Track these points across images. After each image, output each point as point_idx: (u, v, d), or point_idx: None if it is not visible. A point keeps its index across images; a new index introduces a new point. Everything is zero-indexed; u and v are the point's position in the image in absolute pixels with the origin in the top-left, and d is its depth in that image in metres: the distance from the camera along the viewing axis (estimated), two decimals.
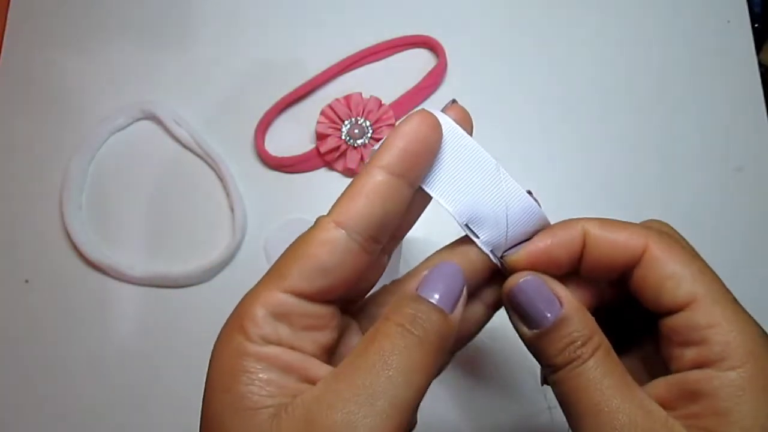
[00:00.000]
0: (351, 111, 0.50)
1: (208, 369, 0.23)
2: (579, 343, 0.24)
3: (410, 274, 0.27)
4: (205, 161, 0.51)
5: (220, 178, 0.51)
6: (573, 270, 0.26)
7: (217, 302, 0.49)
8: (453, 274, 0.24)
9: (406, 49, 0.54)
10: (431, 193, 0.25)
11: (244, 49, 0.54)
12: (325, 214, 0.24)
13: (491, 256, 0.26)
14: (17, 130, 0.53)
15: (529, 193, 0.27)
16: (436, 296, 0.23)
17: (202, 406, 0.23)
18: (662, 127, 0.51)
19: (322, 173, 0.51)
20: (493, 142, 0.51)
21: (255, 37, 0.55)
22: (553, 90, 0.52)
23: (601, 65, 0.53)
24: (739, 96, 0.52)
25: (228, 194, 0.50)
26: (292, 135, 0.52)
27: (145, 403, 0.47)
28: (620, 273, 0.25)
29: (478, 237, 0.26)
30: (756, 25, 0.54)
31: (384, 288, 0.28)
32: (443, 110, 0.26)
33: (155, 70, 0.54)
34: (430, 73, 0.52)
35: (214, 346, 0.23)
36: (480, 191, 0.25)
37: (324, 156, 0.50)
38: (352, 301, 0.27)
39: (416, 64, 0.53)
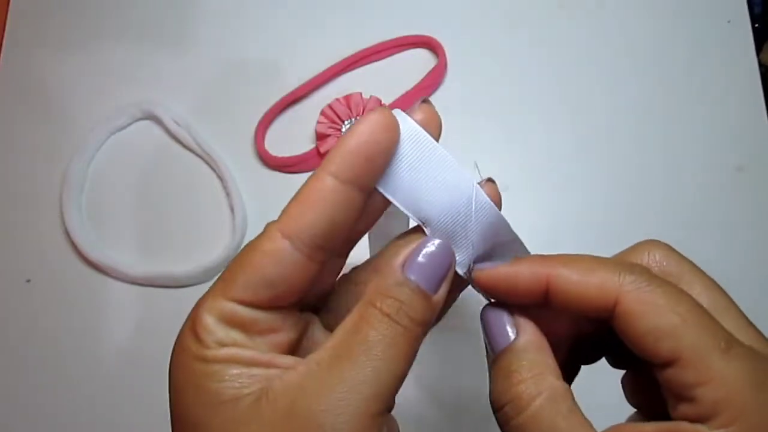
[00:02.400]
0: (351, 111, 0.50)
1: (171, 378, 0.23)
2: (524, 377, 0.23)
3: (393, 248, 0.25)
4: (205, 161, 0.51)
5: (220, 178, 0.51)
6: (542, 304, 0.24)
7: None
8: (442, 254, 0.24)
9: (406, 49, 0.54)
10: (392, 200, 0.24)
11: (244, 49, 0.54)
12: (274, 219, 0.24)
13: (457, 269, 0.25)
14: (17, 131, 0.53)
15: (491, 180, 0.26)
16: (422, 278, 0.23)
17: (173, 414, 0.23)
18: (662, 127, 0.51)
19: None
20: (493, 142, 0.51)
21: (255, 36, 0.55)
22: (553, 90, 0.52)
23: (600, 65, 0.53)
24: (739, 96, 0.52)
25: (228, 194, 0.50)
26: (292, 135, 0.52)
27: (145, 402, 0.47)
28: (595, 317, 0.23)
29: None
30: (756, 25, 0.54)
31: (366, 264, 0.27)
32: (410, 110, 0.25)
33: (155, 70, 0.54)
34: (430, 73, 0.52)
35: (172, 355, 0.24)
36: (444, 200, 0.24)
37: (324, 156, 0.50)
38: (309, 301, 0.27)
39: (416, 64, 0.53)
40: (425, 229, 0.24)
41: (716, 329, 0.22)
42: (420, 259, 0.23)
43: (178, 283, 0.49)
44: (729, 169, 0.50)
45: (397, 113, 0.24)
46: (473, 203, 0.24)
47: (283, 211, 0.23)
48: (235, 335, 0.23)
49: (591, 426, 0.22)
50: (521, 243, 0.26)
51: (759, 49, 0.53)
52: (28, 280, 0.50)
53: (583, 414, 0.22)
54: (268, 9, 0.55)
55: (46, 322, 0.49)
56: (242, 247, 0.50)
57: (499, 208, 0.25)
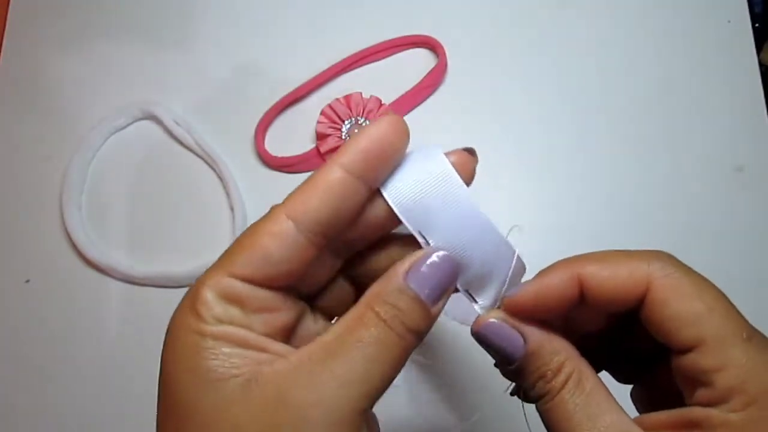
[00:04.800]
0: (351, 111, 0.50)
1: (164, 352, 0.23)
2: (548, 376, 0.24)
3: (398, 254, 0.26)
4: (205, 161, 0.52)
5: (220, 178, 0.51)
6: (574, 308, 0.25)
7: None
8: (447, 268, 0.24)
9: (406, 49, 0.54)
10: (403, 221, 0.25)
11: (244, 49, 0.54)
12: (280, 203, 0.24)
13: (462, 292, 0.26)
14: (17, 130, 0.53)
15: (467, 150, 0.26)
16: (423, 289, 0.23)
17: (162, 388, 0.23)
18: (663, 127, 0.51)
19: None
20: (494, 142, 0.51)
21: (255, 37, 0.55)
22: (553, 90, 0.52)
23: (601, 65, 0.53)
24: (739, 96, 0.52)
25: (228, 194, 0.50)
26: (292, 135, 0.52)
27: (145, 402, 0.47)
28: (628, 308, 0.24)
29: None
30: (756, 25, 0.54)
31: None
32: (451, 152, 0.25)
33: (155, 70, 0.54)
34: (430, 73, 0.52)
35: (168, 329, 0.24)
36: (475, 250, 0.25)
37: (324, 156, 0.50)
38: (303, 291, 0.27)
39: (416, 64, 0.53)
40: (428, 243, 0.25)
41: (739, 320, 0.23)
42: (423, 269, 0.24)
43: (178, 283, 0.49)
44: (729, 169, 0.50)
45: (435, 147, 0.25)
46: (512, 263, 0.25)
47: (290, 195, 0.24)
48: (233, 312, 0.23)
49: (613, 402, 0.23)
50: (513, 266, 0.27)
51: (759, 49, 0.53)
52: (28, 281, 0.50)
53: (605, 388, 0.24)
54: (268, 9, 0.55)
55: (46, 321, 0.49)
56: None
57: (471, 178, 0.25)
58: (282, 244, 0.23)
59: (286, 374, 0.22)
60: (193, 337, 0.23)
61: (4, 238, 0.51)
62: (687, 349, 0.22)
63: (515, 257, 0.25)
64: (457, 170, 0.25)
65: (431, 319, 0.24)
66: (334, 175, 0.23)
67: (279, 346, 0.24)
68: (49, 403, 0.48)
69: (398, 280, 0.23)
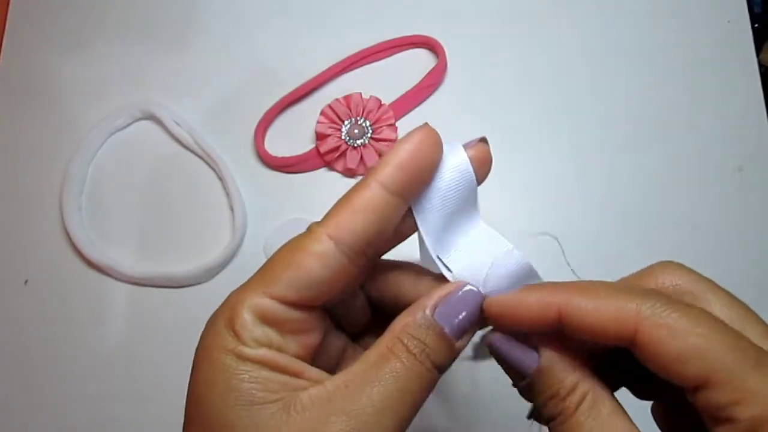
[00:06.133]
0: (351, 111, 0.50)
1: (198, 368, 0.23)
2: (560, 395, 0.23)
3: (426, 285, 0.26)
4: (205, 161, 0.51)
5: (220, 178, 0.51)
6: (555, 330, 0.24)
7: (217, 302, 0.48)
8: (474, 305, 0.24)
9: (406, 49, 0.54)
10: (420, 229, 0.25)
11: (245, 49, 0.54)
12: (318, 221, 0.24)
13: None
14: (17, 131, 0.53)
15: (483, 140, 0.26)
16: (449, 324, 0.24)
17: (193, 403, 0.23)
18: (662, 127, 0.51)
19: (322, 173, 0.51)
20: (492, 143, 0.51)
21: (255, 37, 0.55)
22: (553, 90, 0.52)
23: (600, 65, 0.53)
24: (739, 96, 0.52)
25: (228, 194, 0.50)
26: (292, 135, 0.52)
27: (145, 402, 0.47)
28: (614, 346, 0.23)
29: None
30: (756, 25, 0.54)
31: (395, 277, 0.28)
32: (467, 144, 0.25)
33: (155, 70, 0.54)
34: (430, 73, 0.52)
35: (202, 344, 0.24)
36: (470, 247, 0.25)
37: (324, 156, 0.50)
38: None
39: (416, 64, 0.53)
40: (447, 273, 0.25)
41: (743, 345, 0.21)
42: (450, 305, 0.24)
43: (178, 283, 0.49)
44: (729, 169, 0.50)
45: (458, 149, 0.25)
46: (506, 259, 0.25)
47: (331, 215, 0.24)
48: (271, 334, 0.23)
49: (633, 426, 0.22)
50: (535, 272, 0.26)
51: (759, 49, 0.53)
52: (26, 281, 0.50)
53: (624, 413, 0.23)
54: (269, 9, 0.55)
55: (46, 321, 0.49)
56: (241, 247, 0.50)
57: (488, 169, 0.25)
58: (325, 265, 0.23)
59: (325, 401, 0.22)
60: (230, 358, 0.23)
61: (4, 238, 0.51)
62: (694, 388, 0.21)
63: (507, 250, 0.25)
64: (474, 166, 0.25)
65: (455, 355, 0.24)
66: (377, 194, 0.23)
67: (314, 372, 0.24)
68: (49, 403, 0.48)
69: (426, 315, 0.24)
